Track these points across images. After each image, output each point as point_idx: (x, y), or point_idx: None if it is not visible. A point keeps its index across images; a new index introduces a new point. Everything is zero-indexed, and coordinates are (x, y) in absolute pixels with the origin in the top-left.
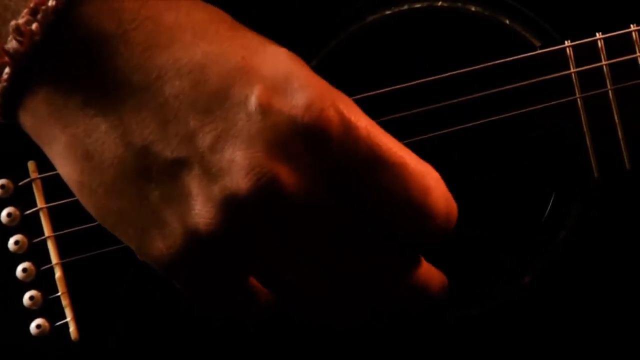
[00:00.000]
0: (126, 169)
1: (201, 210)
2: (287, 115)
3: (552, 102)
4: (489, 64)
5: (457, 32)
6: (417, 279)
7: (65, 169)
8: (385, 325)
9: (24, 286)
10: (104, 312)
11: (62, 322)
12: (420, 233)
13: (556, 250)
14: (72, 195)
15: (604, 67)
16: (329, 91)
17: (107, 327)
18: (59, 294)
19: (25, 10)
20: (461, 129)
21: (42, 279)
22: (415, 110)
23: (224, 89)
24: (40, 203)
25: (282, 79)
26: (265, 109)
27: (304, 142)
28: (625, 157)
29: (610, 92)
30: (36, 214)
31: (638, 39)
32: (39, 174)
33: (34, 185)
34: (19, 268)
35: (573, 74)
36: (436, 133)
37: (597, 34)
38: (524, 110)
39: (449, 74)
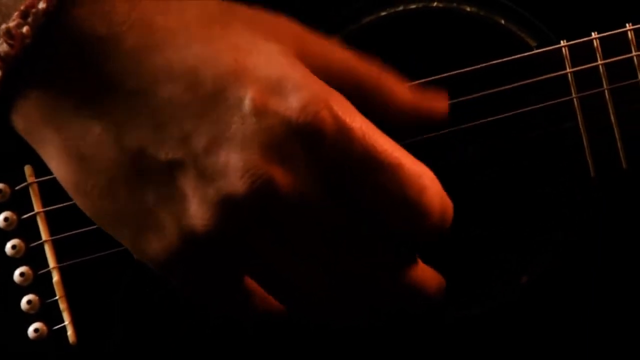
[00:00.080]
0: (121, 171)
1: (197, 211)
2: (282, 117)
3: (548, 102)
4: (485, 64)
5: (453, 32)
6: (413, 278)
7: (60, 171)
8: (384, 325)
9: (22, 290)
10: (101, 316)
11: (59, 326)
12: (416, 232)
13: (555, 250)
14: (69, 199)
15: (600, 66)
16: (323, 91)
17: (105, 331)
18: (57, 297)
19: (16, 14)
20: (457, 129)
21: (40, 283)
22: None
23: (218, 92)
24: (37, 207)
25: (275, 80)
26: (259, 111)
27: (299, 143)
28: (621, 157)
29: (606, 91)
30: (33, 218)
31: (634, 39)
32: (36, 178)
33: (30, 190)
34: (17, 272)
35: (569, 74)
36: (432, 134)
37: (592, 34)
38: (520, 110)
39: (444, 74)
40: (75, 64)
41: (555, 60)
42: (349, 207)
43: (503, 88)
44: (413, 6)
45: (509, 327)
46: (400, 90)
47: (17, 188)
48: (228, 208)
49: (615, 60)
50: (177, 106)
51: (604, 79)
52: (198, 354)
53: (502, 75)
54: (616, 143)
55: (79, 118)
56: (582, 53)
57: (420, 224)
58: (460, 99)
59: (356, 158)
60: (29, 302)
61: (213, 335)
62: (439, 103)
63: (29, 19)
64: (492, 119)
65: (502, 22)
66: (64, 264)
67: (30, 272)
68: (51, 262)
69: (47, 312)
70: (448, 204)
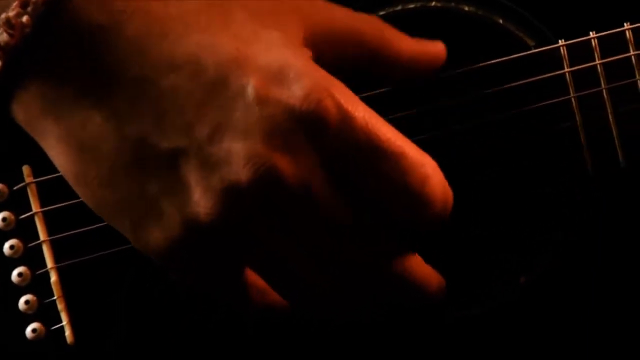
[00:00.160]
0: (122, 160)
1: (200, 199)
2: (285, 105)
3: (547, 102)
4: (483, 64)
5: (451, 32)
6: (415, 269)
7: (60, 161)
8: (385, 322)
9: (20, 290)
10: (99, 316)
11: (57, 326)
12: (418, 220)
13: (555, 250)
14: (67, 199)
15: (598, 66)
16: (325, 80)
17: (103, 331)
18: (55, 298)
19: (16, 3)
20: (455, 129)
21: (38, 283)
22: (408, 112)
23: (220, 80)
24: (35, 207)
25: (277, 68)
26: (262, 100)
27: (302, 131)
28: (619, 156)
29: (604, 91)
30: (31, 218)
31: (632, 38)
32: (34, 178)
33: (28, 190)
34: (15, 272)
35: (567, 74)
36: (431, 134)
37: (590, 33)
38: (518, 110)
39: (443, 74)
40: (75, 53)
41: (553, 59)
42: (352, 196)
43: (501, 87)
44: (411, 6)
45: (509, 327)
46: (404, 40)
47: (15, 188)
48: (232, 196)
49: (613, 60)
50: (179, 95)
51: (602, 79)
52: (200, 353)
53: (500, 75)
54: (614, 142)
55: (79, 108)
56: (580, 52)
57: (422, 213)
58: (458, 98)
59: (359, 146)
60: (26, 302)
61: (215, 334)
62: (437, 46)
63: (29, 8)
64: (490, 118)
65: (500, 21)
66: (62, 264)
67: (28, 272)
68: (49, 262)
69: (45, 312)
70: (449, 193)
